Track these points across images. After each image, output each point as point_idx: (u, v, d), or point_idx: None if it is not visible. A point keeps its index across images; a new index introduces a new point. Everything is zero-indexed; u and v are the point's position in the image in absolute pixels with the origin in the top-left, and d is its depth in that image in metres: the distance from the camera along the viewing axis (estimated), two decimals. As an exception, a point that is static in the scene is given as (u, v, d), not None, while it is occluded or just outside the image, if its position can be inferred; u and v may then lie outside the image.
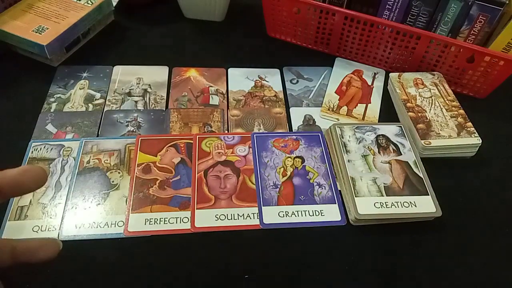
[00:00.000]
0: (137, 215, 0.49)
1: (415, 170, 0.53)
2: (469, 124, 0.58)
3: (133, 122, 0.60)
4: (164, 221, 0.48)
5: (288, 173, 0.54)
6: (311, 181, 0.54)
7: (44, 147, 0.55)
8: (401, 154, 0.55)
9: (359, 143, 0.56)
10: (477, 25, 0.63)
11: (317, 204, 0.51)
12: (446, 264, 0.47)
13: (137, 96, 0.64)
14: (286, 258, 0.47)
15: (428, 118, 0.59)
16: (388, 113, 0.64)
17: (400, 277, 0.46)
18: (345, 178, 0.52)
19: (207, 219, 0.49)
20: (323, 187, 0.53)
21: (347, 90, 0.67)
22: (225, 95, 0.65)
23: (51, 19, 0.67)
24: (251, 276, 0.45)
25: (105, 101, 0.62)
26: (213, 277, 0.45)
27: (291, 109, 0.64)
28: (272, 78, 0.69)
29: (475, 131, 0.57)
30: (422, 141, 0.56)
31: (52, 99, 0.62)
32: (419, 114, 0.60)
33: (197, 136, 0.58)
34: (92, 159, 0.54)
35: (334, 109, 0.64)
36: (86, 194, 0.50)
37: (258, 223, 0.49)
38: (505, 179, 0.57)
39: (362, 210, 0.48)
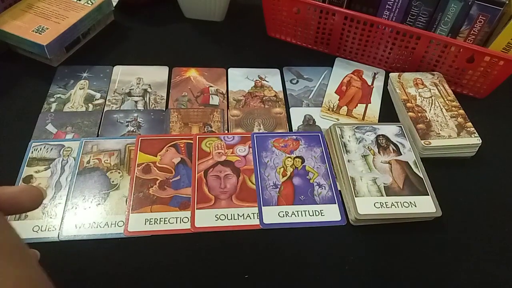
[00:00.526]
0: (137, 215, 0.49)
1: (415, 170, 0.53)
2: (469, 124, 0.58)
3: (133, 122, 0.60)
4: (164, 221, 0.48)
5: (288, 173, 0.54)
6: (311, 181, 0.54)
7: (44, 147, 0.55)
8: (401, 154, 0.55)
9: (359, 143, 0.56)
10: (477, 25, 0.63)
11: (317, 204, 0.51)
12: (446, 264, 0.47)
13: (137, 96, 0.64)
14: (286, 258, 0.47)
15: (428, 118, 0.59)
16: (388, 113, 0.64)
17: (400, 277, 0.46)
18: (345, 178, 0.52)
19: (207, 219, 0.49)
20: (323, 187, 0.53)
21: (347, 90, 0.67)
22: (225, 95, 0.65)
23: (51, 19, 0.67)
24: (251, 276, 0.45)
25: (105, 101, 0.62)
26: (213, 277, 0.45)
27: (291, 109, 0.64)
28: (272, 78, 0.69)
29: (475, 131, 0.57)
30: (422, 141, 0.56)
31: (52, 99, 0.62)
32: (419, 114, 0.60)
33: (197, 136, 0.58)
34: (92, 159, 0.54)
35: (334, 109, 0.64)
36: (86, 194, 0.50)
37: (258, 223, 0.49)
38: (505, 179, 0.57)
39: (362, 210, 0.48)
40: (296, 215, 0.50)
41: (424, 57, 0.67)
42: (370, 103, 0.66)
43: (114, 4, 0.75)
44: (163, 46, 0.73)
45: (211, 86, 0.67)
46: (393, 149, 0.55)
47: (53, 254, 0.45)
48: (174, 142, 0.57)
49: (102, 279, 0.44)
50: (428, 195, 0.50)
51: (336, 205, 0.51)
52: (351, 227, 0.50)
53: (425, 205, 0.49)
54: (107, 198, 0.50)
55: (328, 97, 0.66)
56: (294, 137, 0.59)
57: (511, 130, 0.64)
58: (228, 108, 0.63)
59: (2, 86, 0.64)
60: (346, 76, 0.70)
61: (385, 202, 0.49)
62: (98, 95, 0.63)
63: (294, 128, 0.61)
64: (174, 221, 0.48)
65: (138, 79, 0.66)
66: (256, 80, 0.68)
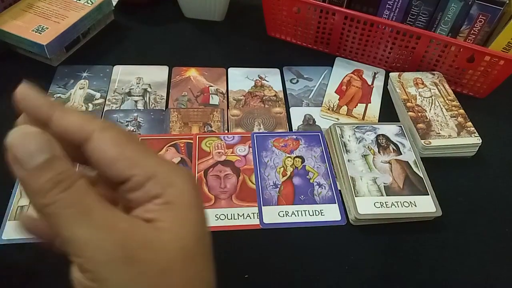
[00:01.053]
0: (137, 215, 0.49)
1: (415, 170, 0.53)
2: (469, 124, 0.58)
3: (133, 122, 0.60)
4: (164, 221, 0.48)
5: (288, 173, 0.54)
6: (311, 181, 0.54)
7: (44, 147, 0.55)
8: (401, 154, 0.55)
9: (359, 143, 0.56)
10: (477, 25, 0.63)
11: (317, 204, 0.51)
12: (446, 264, 0.47)
13: (137, 96, 0.64)
14: (286, 258, 0.47)
15: (428, 117, 0.59)
16: (388, 113, 0.64)
17: (400, 277, 0.46)
18: (345, 178, 0.52)
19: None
20: (323, 187, 0.53)
21: (347, 89, 0.67)
22: (225, 95, 0.65)
23: (51, 18, 0.67)
24: (251, 276, 0.45)
25: (105, 101, 0.62)
26: (213, 277, 0.45)
27: (291, 109, 0.64)
28: (272, 78, 0.69)
29: (475, 131, 0.57)
30: (422, 141, 0.56)
31: (52, 99, 0.62)
32: (419, 114, 0.60)
33: (197, 136, 0.58)
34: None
35: (334, 109, 0.64)
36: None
37: (258, 223, 0.49)
38: (505, 179, 0.57)
39: (362, 210, 0.48)
40: (296, 215, 0.50)
41: (424, 56, 0.67)
42: (370, 102, 0.66)
43: (114, 4, 0.75)
44: (163, 46, 0.73)
45: (211, 86, 0.66)
46: (393, 148, 0.55)
47: (53, 254, 0.45)
48: (174, 142, 0.57)
49: (102, 279, 0.44)
50: (428, 195, 0.50)
51: (336, 205, 0.51)
52: (351, 227, 0.50)
53: (425, 205, 0.49)
54: (107, 198, 0.50)
55: (328, 96, 0.66)
56: (294, 136, 0.59)
57: (511, 130, 0.64)
58: (228, 107, 0.63)
59: (2, 86, 0.63)
60: (346, 75, 0.70)
61: (385, 202, 0.49)
62: (98, 94, 0.63)
63: (294, 127, 0.61)
64: (174, 221, 0.48)
65: (138, 79, 0.66)
66: (256, 79, 0.68)
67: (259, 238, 0.48)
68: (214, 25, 0.79)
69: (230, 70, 0.70)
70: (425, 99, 0.62)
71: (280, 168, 0.55)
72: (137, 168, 0.22)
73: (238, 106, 0.64)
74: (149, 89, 0.65)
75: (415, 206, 0.49)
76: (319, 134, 0.59)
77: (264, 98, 0.65)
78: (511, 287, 0.46)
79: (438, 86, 0.64)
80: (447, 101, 0.62)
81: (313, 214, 0.50)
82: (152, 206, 0.22)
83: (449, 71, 0.67)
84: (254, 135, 0.58)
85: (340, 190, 0.53)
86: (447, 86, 0.64)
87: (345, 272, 0.46)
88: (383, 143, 0.56)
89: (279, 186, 0.53)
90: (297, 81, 0.69)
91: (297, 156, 0.56)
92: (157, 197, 0.22)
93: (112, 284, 0.21)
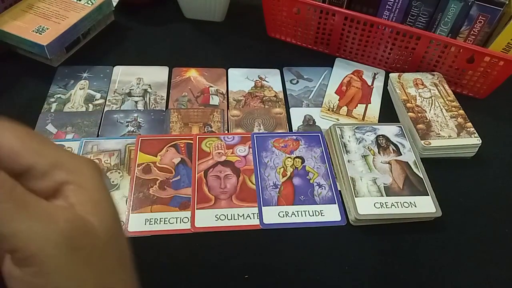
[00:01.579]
0: (137, 215, 0.49)
1: (415, 170, 0.53)
2: (469, 124, 0.58)
3: (133, 122, 0.60)
4: (164, 221, 0.48)
5: (288, 173, 0.54)
6: (311, 181, 0.54)
7: (44, 147, 0.55)
8: (401, 154, 0.55)
9: (359, 143, 0.56)
10: (477, 25, 0.63)
11: (317, 204, 0.51)
12: (446, 264, 0.47)
13: (137, 96, 0.64)
14: (286, 258, 0.47)
15: (428, 118, 0.59)
16: (388, 114, 0.64)
17: (400, 277, 0.46)
18: (345, 178, 0.52)
19: (207, 219, 0.49)
20: (323, 187, 0.53)
21: (347, 90, 0.67)
22: (225, 95, 0.65)
23: (51, 19, 0.67)
24: (251, 276, 0.45)
25: (105, 101, 0.62)
26: (213, 277, 0.45)
27: (291, 109, 0.64)
28: (272, 78, 0.69)
29: (475, 131, 0.57)
30: (422, 141, 0.56)
31: (52, 99, 0.62)
32: (419, 115, 0.60)
33: (197, 136, 0.58)
34: (92, 159, 0.54)
35: (334, 109, 0.64)
36: (86, 194, 0.50)
37: (258, 223, 0.49)
38: (505, 179, 0.57)
39: (362, 210, 0.48)
40: (296, 215, 0.50)
41: (424, 57, 0.67)
42: (370, 103, 0.66)
43: (114, 4, 0.75)
44: (163, 46, 0.73)
45: (211, 86, 0.67)
46: (393, 149, 0.55)
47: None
48: (174, 142, 0.57)
49: (102, 279, 0.44)
50: (428, 195, 0.50)
51: (336, 205, 0.51)
52: (351, 227, 0.50)
53: (425, 205, 0.49)
54: (107, 198, 0.50)
55: (328, 97, 0.66)
56: (294, 137, 0.59)
57: (511, 130, 0.64)
58: (228, 108, 0.63)
59: (2, 86, 0.63)
60: (346, 76, 0.70)
61: (385, 202, 0.49)
62: (98, 95, 0.63)
63: (294, 128, 0.61)
64: (174, 221, 0.48)
65: (138, 79, 0.66)
66: (256, 80, 0.68)
67: (259, 238, 0.48)
68: (214, 25, 0.79)
69: (230, 70, 0.70)
70: (425, 99, 0.62)
71: (280, 168, 0.55)
72: (41, 157, 0.22)
73: (238, 106, 0.64)
74: (149, 90, 0.65)
75: (415, 206, 0.49)
76: (319, 134, 0.59)
77: (264, 98, 0.65)
78: (511, 287, 0.46)
79: (438, 87, 0.64)
80: (447, 102, 0.62)
81: (313, 215, 0.50)
82: (68, 192, 0.22)
83: (449, 71, 0.67)
84: (254, 135, 0.59)
85: (340, 191, 0.53)
86: (447, 87, 0.64)
87: (345, 272, 0.46)
88: (383, 144, 0.56)
89: (279, 186, 0.53)
90: (297, 81, 0.69)
91: (297, 157, 0.56)
92: (68, 183, 0.22)
93: (60, 276, 0.20)
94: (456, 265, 0.47)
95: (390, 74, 0.67)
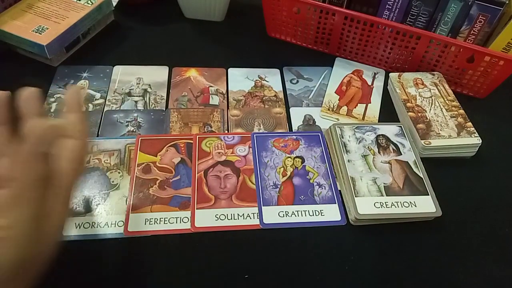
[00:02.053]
0: (137, 215, 0.49)
1: (415, 170, 0.53)
2: (469, 124, 0.58)
3: (133, 122, 0.60)
4: (164, 221, 0.48)
5: (288, 173, 0.54)
6: (311, 181, 0.54)
7: (44, 147, 0.55)
8: (401, 154, 0.55)
9: (359, 143, 0.56)
10: (477, 25, 0.63)
11: (317, 204, 0.51)
12: (446, 264, 0.47)
13: (137, 96, 0.64)
14: (286, 258, 0.47)
15: (428, 118, 0.59)
16: (388, 113, 0.64)
17: (400, 277, 0.46)
18: (345, 178, 0.52)
19: (207, 219, 0.49)
20: (323, 187, 0.53)
21: (347, 90, 0.67)
22: (225, 95, 0.65)
23: (51, 19, 0.67)
24: (251, 276, 0.45)
25: (105, 101, 0.62)
26: (213, 277, 0.45)
27: (291, 109, 0.64)
28: (272, 78, 0.69)
29: (475, 131, 0.57)
30: (422, 141, 0.56)
31: (52, 99, 0.62)
32: (419, 114, 0.60)
33: (197, 136, 0.58)
34: (92, 159, 0.54)
35: (334, 109, 0.64)
36: (86, 194, 0.50)
37: (258, 223, 0.49)
38: (505, 179, 0.57)
39: (362, 210, 0.48)
40: (296, 215, 0.50)
41: (424, 57, 0.67)
42: (370, 103, 0.66)
43: (114, 4, 0.75)
44: (163, 46, 0.73)
45: (211, 86, 0.67)
46: (393, 149, 0.55)
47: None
48: (174, 142, 0.57)
49: (102, 279, 0.44)
50: (428, 195, 0.50)
51: (336, 205, 0.51)
52: (351, 227, 0.50)
53: (425, 205, 0.49)
54: (107, 198, 0.50)
55: (328, 97, 0.66)
56: (294, 137, 0.59)
57: (511, 130, 0.64)
58: (228, 108, 0.63)
59: (2, 86, 0.63)
60: (346, 76, 0.70)
61: (385, 202, 0.49)
62: (98, 95, 0.63)
63: (294, 128, 0.61)
64: (174, 221, 0.48)
65: (138, 79, 0.66)
66: (256, 80, 0.68)
67: (259, 238, 0.48)
68: (214, 25, 0.79)
69: (230, 70, 0.70)
70: (425, 99, 0.62)
71: (280, 168, 0.55)
72: None
73: (238, 106, 0.64)
74: (149, 90, 0.65)
75: (415, 206, 0.49)
76: (319, 134, 0.59)
77: (264, 98, 0.65)
78: (511, 287, 0.46)
79: (438, 86, 0.64)
80: (447, 101, 0.62)
81: (313, 214, 0.50)
82: None
83: (449, 71, 0.67)
84: (254, 135, 0.59)
85: (340, 190, 0.53)
86: (447, 86, 0.64)
87: (345, 272, 0.46)
88: (383, 143, 0.56)
89: (279, 186, 0.53)
90: (297, 81, 0.69)
91: (297, 156, 0.56)
92: None
93: None
94: (456, 265, 0.47)
95: (390, 74, 0.67)
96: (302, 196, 0.52)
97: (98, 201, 0.50)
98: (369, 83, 0.69)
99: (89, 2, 0.71)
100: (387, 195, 0.50)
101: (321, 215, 0.50)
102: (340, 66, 0.72)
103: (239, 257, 0.47)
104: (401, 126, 0.58)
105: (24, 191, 0.26)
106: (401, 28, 0.65)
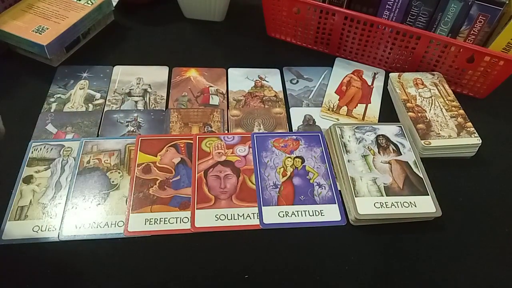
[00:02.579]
0: (137, 215, 0.49)
1: (415, 170, 0.53)
2: (469, 124, 0.58)
3: (133, 122, 0.60)
4: (164, 221, 0.48)
5: (288, 173, 0.54)
6: (311, 181, 0.54)
7: (44, 147, 0.55)
8: (401, 154, 0.55)
9: (359, 143, 0.56)
10: (477, 25, 0.63)
11: (317, 204, 0.51)
12: (446, 264, 0.47)
13: (137, 96, 0.64)
14: (286, 258, 0.47)
15: (428, 118, 0.59)
16: (388, 113, 0.64)
17: (400, 277, 0.46)
18: (345, 178, 0.52)
19: (207, 219, 0.49)
20: (323, 187, 0.53)
21: (347, 90, 0.67)
22: (225, 95, 0.65)
23: (51, 19, 0.67)
24: (251, 276, 0.45)
25: (105, 101, 0.62)
26: (213, 277, 0.45)
27: (291, 109, 0.64)
28: (272, 78, 0.69)
29: (475, 131, 0.57)
30: (422, 141, 0.56)
31: (52, 99, 0.62)
32: (419, 114, 0.60)
33: (197, 136, 0.58)
34: (92, 159, 0.54)
35: (334, 109, 0.64)
36: (86, 194, 0.50)
37: (258, 223, 0.49)
38: (505, 179, 0.57)
39: (362, 210, 0.48)
40: (296, 215, 0.50)
41: (424, 57, 0.67)
42: (370, 103, 0.66)
43: (114, 4, 0.75)
44: (163, 46, 0.73)
45: (211, 86, 0.67)
46: (393, 149, 0.55)
47: (53, 254, 0.45)
48: (174, 142, 0.57)
49: (102, 279, 0.44)
50: (428, 195, 0.50)
51: (336, 205, 0.51)
52: (351, 227, 0.50)
53: (425, 205, 0.49)
54: (107, 198, 0.50)
55: (328, 97, 0.66)
56: (294, 137, 0.59)
57: (511, 130, 0.64)
58: (228, 108, 0.63)
59: (2, 86, 0.64)
60: (346, 76, 0.70)
61: (385, 202, 0.49)
62: (98, 95, 0.63)
63: (294, 128, 0.61)
64: (174, 221, 0.48)
65: (138, 79, 0.66)
66: (256, 80, 0.68)
67: (259, 238, 0.48)
68: (214, 25, 0.79)
69: (230, 70, 0.70)
70: (425, 99, 0.62)
71: (280, 168, 0.55)
72: None
73: (238, 106, 0.64)
74: (149, 90, 0.65)
75: (415, 206, 0.49)
76: (319, 134, 0.59)
77: (264, 98, 0.65)
78: (511, 287, 0.46)
79: (438, 87, 0.64)
80: (447, 102, 0.62)
81: (313, 215, 0.50)
82: None
83: (449, 71, 0.67)
84: (254, 135, 0.59)
85: (340, 191, 0.53)
86: (447, 87, 0.64)
87: (345, 272, 0.46)
88: (383, 144, 0.56)
89: (279, 186, 0.53)
90: (297, 81, 0.69)
91: (297, 157, 0.56)
92: None
93: None
94: (456, 265, 0.47)
95: (390, 74, 0.67)
96: (302, 196, 0.52)
97: (98, 201, 0.50)
98: (369, 83, 0.69)
99: (89, 2, 0.71)
100: (387, 195, 0.50)
101: (321, 215, 0.50)
102: (340, 66, 0.72)
103: (239, 257, 0.47)
104: (401, 126, 0.58)
105: None
106: (401, 28, 0.65)
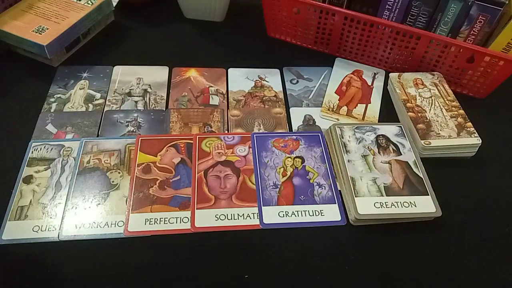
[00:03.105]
0: (137, 215, 0.49)
1: (415, 170, 0.53)
2: (469, 124, 0.58)
3: (133, 122, 0.60)
4: (164, 221, 0.48)
5: (288, 173, 0.54)
6: (311, 181, 0.54)
7: (44, 147, 0.55)
8: (401, 154, 0.55)
9: (359, 143, 0.56)
10: (477, 25, 0.63)
11: (317, 204, 0.51)
12: (446, 264, 0.47)
13: (137, 96, 0.64)
14: (286, 258, 0.47)
15: (428, 118, 0.59)
16: (388, 113, 0.64)
17: (400, 277, 0.46)
18: (345, 178, 0.52)
19: (207, 219, 0.49)
20: (323, 187, 0.53)
21: (347, 90, 0.67)
22: (225, 95, 0.65)
23: (51, 19, 0.67)
24: (251, 276, 0.45)
25: (105, 101, 0.62)
26: (213, 277, 0.45)
27: (291, 109, 0.64)
28: (272, 78, 0.69)
29: (475, 131, 0.57)
30: (422, 141, 0.56)
31: (52, 99, 0.62)
32: (419, 114, 0.60)
33: (197, 136, 0.58)
34: (92, 159, 0.54)
35: (334, 109, 0.64)
36: (86, 194, 0.50)
37: (258, 223, 0.49)
38: (505, 179, 0.57)
39: (362, 210, 0.48)
40: (296, 215, 0.50)
41: (424, 57, 0.67)
42: (370, 103, 0.66)
43: (114, 4, 0.75)
44: (163, 46, 0.73)
45: (211, 86, 0.67)
46: (393, 149, 0.55)
47: (53, 254, 0.45)
48: (174, 142, 0.57)
49: (102, 279, 0.44)
50: (428, 195, 0.50)
51: (336, 205, 0.51)
52: (351, 227, 0.50)
53: (425, 205, 0.49)
54: (107, 198, 0.50)
55: (328, 97, 0.66)
56: (294, 137, 0.59)
57: (511, 130, 0.64)
58: (228, 108, 0.63)
59: (2, 86, 0.64)
60: (346, 76, 0.70)
61: (385, 202, 0.49)
62: (98, 95, 0.63)
63: (294, 128, 0.61)
64: (174, 221, 0.48)
65: (138, 79, 0.66)
66: (256, 80, 0.68)
67: (259, 238, 0.48)
68: (214, 25, 0.79)
69: (230, 70, 0.70)
70: (425, 99, 0.62)
71: (280, 168, 0.55)
72: None
73: (238, 106, 0.64)
74: (149, 90, 0.65)
75: (415, 206, 0.49)
76: (319, 134, 0.59)
77: (264, 98, 0.65)
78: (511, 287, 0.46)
79: (438, 87, 0.64)
80: (447, 102, 0.62)
81: (313, 214, 0.50)
82: None
83: (449, 71, 0.67)
84: (254, 135, 0.59)
85: (340, 191, 0.53)
86: (447, 87, 0.64)
87: (345, 272, 0.46)
88: (383, 144, 0.56)
89: (279, 186, 0.53)
90: (297, 81, 0.69)
91: (297, 157, 0.56)
92: None
93: None
94: (456, 265, 0.47)
95: (390, 74, 0.67)
96: (302, 196, 0.52)
97: (98, 201, 0.50)
98: (369, 83, 0.69)
99: (89, 2, 0.71)
100: (387, 195, 0.50)
101: (321, 215, 0.50)
102: (340, 66, 0.72)
103: (239, 257, 0.47)
104: (401, 126, 0.58)
105: None
106: (401, 28, 0.65)
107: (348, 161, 0.53)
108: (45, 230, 0.47)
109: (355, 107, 0.65)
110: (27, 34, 0.63)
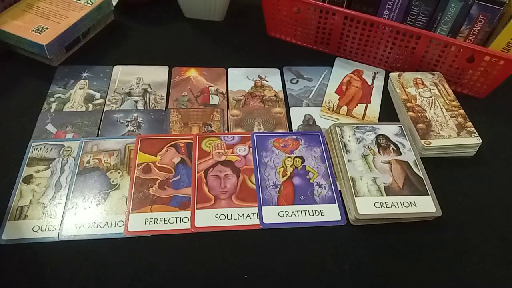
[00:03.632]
0: (137, 215, 0.49)
1: (415, 170, 0.53)
2: (469, 124, 0.58)
3: (133, 122, 0.60)
4: (164, 221, 0.48)
5: (288, 173, 0.54)
6: (311, 181, 0.54)
7: (44, 147, 0.55)
8: (401, 154, 0.55)
9: (359, 143, 0.56)
10: (477, 25, 0.63)
11: (317, 204, 0.51)
12: (446, 264, 0.47)
13: (137, 96, 0.64)
14: (286, 258, 0.47)
15: (428, 118, 0.59)
16: (388, 113, 0.64)
17: (400, 277, 0.46)
18: (345, 178, 0.52)
19: (207, 219, 0.49)
20: (323, 187, 0.53)
21: (347, 90, 0.67)
22: (225, 95, 0.65)
23: (51, 19, 0.67)
24: (251, 276, 0.45)
25: (105, 101, 0.62)
26: (213, 277, 0.45)
27: (291, 109, 0.64)
28: (272, 78, 0.69)
29: (475, 131, 0.57)
30: (422, 141, 0.56)
31: (52, 99, 0.62)
32: (419, 114, 0.60)
33: (197, 136, 0.58)
34: (92, 159, 0.54)
35: (334, 109, 0.64)
36: (86, 194, 0.50)
37: (258, 223, 0.49)
38: (505, 178, 0.57)
39: (362, 210, 0.48)
40: (296, 215, 0.50)
41: (424, 56, 0.67)
42: (370, 103, 0.66)
43: (114, 4, 0.75)
44: (163, 46, 0.73)
45: (211, 86, 0.67)
46: (393, 149, 0.55)
47: (53, 254, 0.45)
48: (174, 142, 0.57)
49: (102, 279, 0.44)
50: (428, 195, 0.50)
51: (336, 205, 0.51)
52: (351, 227, 0.50)
53: (425, 205, 0.49)
54: (107, 198, 0.50)
55: (328, 97, 0.66)
56: (294, 137, 0.59)
57: (511, 130, 0.64)
58: (228, 108, 0.63)
59: (2, 86, 0.63)
60: (346, 76, 0.70)
61: (385, 202, 0.49)
62: (98, 95, 0.63)
63: (294, 128, 0.61)
64: (174, 221, 0.48)
65: (138, 79, 0.66)
66: (256, 80, 0.68)
67: (259, 238, 0.48)
68: (214, 25, 0.79)
69: (230, 70, 0.70)
70: (425, 99, 0.62)
71: (280, 168, 0.55)
72: None
73: (238, 106, 0.64)
74: (149, 89, 0.65)
75: (415, 206, 0.49)
76: (319, 134, 0.59)
77: (264, 98, 0.65)
78: (511, 287, 0.46)
79: (438, 86, 0.64)
80: (447, 101, 0.62)
81: (313, 214, 0.50)
82: None
83: (449, 71, 0.67)
84: (254, 135, 0.59)
85: (340, 190, 0.53)
86: (447, 86, 0.64)
87: (345, 272, 0.46)
88: (383, 143, 0.56)
89: (279, 186, 0.53)
90: (297, 81, 0.69)
91: (297, 156, 0.56)
92: None
93: None
94: (456, 265, 0.47)
95: (390, 74, 0.67)
96: (302, 196, 0.52)
97: (98, 201, 0.50)
98: (369, 83, 0.69)
99: (89, 2, 0.71)
100: (387, 195, 0.50)
101: (321, 215, 0.50)
102: (340, 66, 0.72)
103: (239, 257, 0.47)
104: (401, 126, 0.58)
105: None
106: (401, 28, 0.65)
107: (348, 161, 0.53)
108: (45, 230, 0.47)
109: (355, 107, 0.65)
110: (27, 34, 0.63)
